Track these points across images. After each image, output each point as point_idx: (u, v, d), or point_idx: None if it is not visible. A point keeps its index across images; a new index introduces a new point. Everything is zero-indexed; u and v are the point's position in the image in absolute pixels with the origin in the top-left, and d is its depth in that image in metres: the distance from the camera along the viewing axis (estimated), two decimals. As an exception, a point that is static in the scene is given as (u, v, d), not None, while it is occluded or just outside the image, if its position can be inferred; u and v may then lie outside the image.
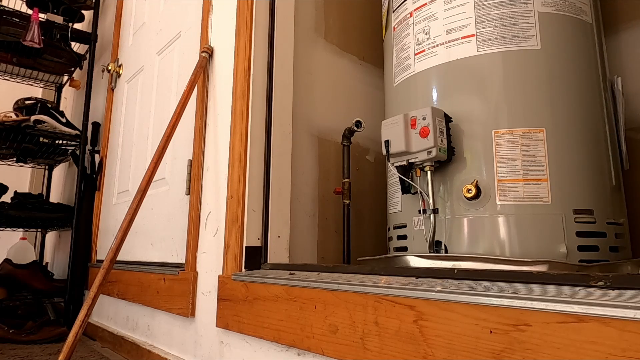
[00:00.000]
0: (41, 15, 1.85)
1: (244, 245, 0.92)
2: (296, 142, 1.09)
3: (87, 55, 1.94)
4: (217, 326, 0.93)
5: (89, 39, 1.93)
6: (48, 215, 1.84)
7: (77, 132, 1.84)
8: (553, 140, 0.75)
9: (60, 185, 2.46)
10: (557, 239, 0.72)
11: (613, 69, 1.04)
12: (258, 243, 0.95)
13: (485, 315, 0.48)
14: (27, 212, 1.80)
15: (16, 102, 1.82)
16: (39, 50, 1.90)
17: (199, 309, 1.02)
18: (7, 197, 1.89)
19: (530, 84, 0.78)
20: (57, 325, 1.57)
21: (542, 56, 0.78)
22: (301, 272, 0.79)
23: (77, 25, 2.10)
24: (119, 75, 1.85)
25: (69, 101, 2.60)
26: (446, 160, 0.80)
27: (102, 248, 1.71)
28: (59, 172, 2.50)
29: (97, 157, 1.90)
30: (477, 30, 0.81)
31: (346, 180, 1.09)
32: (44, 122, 1.74)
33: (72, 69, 2.12)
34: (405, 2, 0.94)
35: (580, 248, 0.73)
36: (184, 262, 1.12)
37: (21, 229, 2.21)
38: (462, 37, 0.82)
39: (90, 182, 1.83)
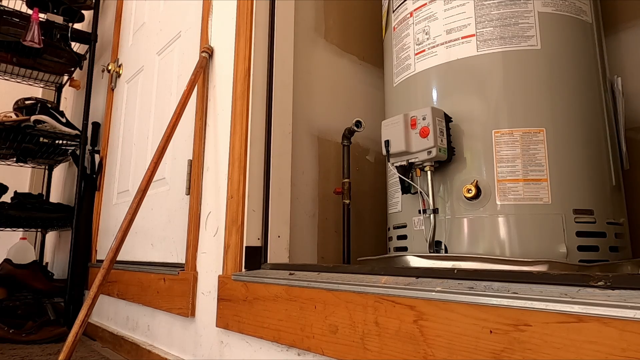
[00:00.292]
0: (41, 15, 1.85)
1: (244, 245, 0.92)
2: (296, 142, 1.09)
3: (87, 55, 1.94)
4: (217, 326, 0.93)
5: (89, 39, 1.93)
6: (48, 215, 1.84)
7: (77, 132, 1.84)
8: (553, 140, 0.75)
9: (60, 185, 2.46)
10: (557, 239, 0.72)
11: (613, 69, 1.04)
12: (258, 243, 0.95)
13: (485, 315, 0.48)
14: (27, 212, 1.80)
15: (16, 102, 1.82)
16: (39, 50, 1.90)
17: (199, 309, 1.02)
18: (7, 197, 1.89)
19: (530, 84, 0.78)
20: (57, 325, 1.57)
21: (542, 56, 0.78)
22: (301, 272, 0.79)
23: (77, 25, 2.10)
24: (119, 75, 1.85)
25: (69, 101, 2.60)
26: (446, 160, 0.80)
27: (102, 248, 1.71)
28: (59, 172, 2.50)
29: (97, 157, 1.90)
30: (477, 30, 0.81)
31: (346, 180, 1.09)
32: (44, 122, 1.74)
33: (72, 69, 2.12)
34: (405, 2, 0.94)
35: (580, 248, 0.73)
36: (184, 262, 1.12)
37: (21, 229, 2.21)
38: (462, 37, 0.82)
39: (90, 182, 1.83)
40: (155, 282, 1.20)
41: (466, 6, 0.83)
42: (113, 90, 1.87)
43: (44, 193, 2.33)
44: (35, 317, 1.69)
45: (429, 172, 0.80)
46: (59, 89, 2.44)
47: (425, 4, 0.89)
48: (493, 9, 0.81)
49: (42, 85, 2.39)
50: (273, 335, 0.76)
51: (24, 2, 1.90)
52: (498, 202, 0.75)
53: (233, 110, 1.02)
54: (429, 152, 0.77)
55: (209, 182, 1.07)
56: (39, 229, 2.32)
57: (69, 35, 1.94)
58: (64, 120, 1.83)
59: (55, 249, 2.38)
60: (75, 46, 2.07)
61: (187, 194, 1.17)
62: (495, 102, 0.78)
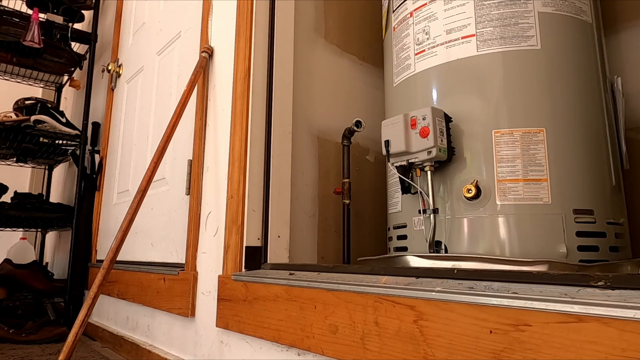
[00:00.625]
0: (41, 15, 1.85)
1: (244, 245, 0.92)
2: (296, 142, 1.09)
3: (87, 55, 1.94)
4: (217, 326, 0.93)
5: (89, 39, 1.93)
6: (48, 215, 1.84)
7: (77, 132, 1.84)
8: (553, 140, 0.75)
9: (60, 185, 2.46)
10: (557, 239, 0.72)
11: (613, 69, 1.04)
12: (258, 243, 0.95)
13: (485, 315, 0.48)
14: (27, 212, 1.80)
15: (16, 102, 1.82)
16: (39, 50, 1.90)
17: (199, 309, 1.02)
18: (7, 197, 1.89)
19: (530, 84, 0.78)
20: (57, 325, 1.57)
21: (542, 56, 0.78)
22: (301, 272, 0.79)
23: (77, 25, 2.10)
24: (119, 75, 1.85)
25: (69, 101, 2.60)
26: (446, 160, 0.80)
27: (102, 248, 1.71)
28: (59, 172, 2.50)
29: (97, 157, 1.90)
30: (477, 30, 0.81)
31: (346, 180, 1.09)
32: (44, 122, 1.74)
33: (72, 69, 2.12)
34: (405, 2, 0.94)
35: (580, 248, 0.73)
36: (184, 262, 1.12)
37: (21, 229, 2.21)
38: (462, 37, 0.82)
39: (90, 182, 1.83)
40: (155, 282, 1.20)
41: (466, 6, 0.83)
42: (113, 90, 1.87)
43: (44, 193, 2.33)
44: (35, 317, 1.69)
45: (429, 172, 0.80)
46: (59, 89, 2.44)
47: (425, 4, 0.89)
48: (493, 9, 0.81)
49: (42, 85, 2.39)
50: (273, 335, 0.76)
51: (24, 2, 1.90)
52: (498, 202, 0.75)
53: (233, 110, 1.02)
54: (429, 152, 0.77)
55: (209, 182, 1.07)
56: (39, 229, 2.32)
57: (69, 35, 1.94)
58: (64, 120, 1.83)
59: (55, 249, 2.38)
60: (75, 46, 2.07)
61: (187, 194, 1.17)
62: (495, 102, 0.78)
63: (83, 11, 2.04)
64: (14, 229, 1.97)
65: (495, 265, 0.68)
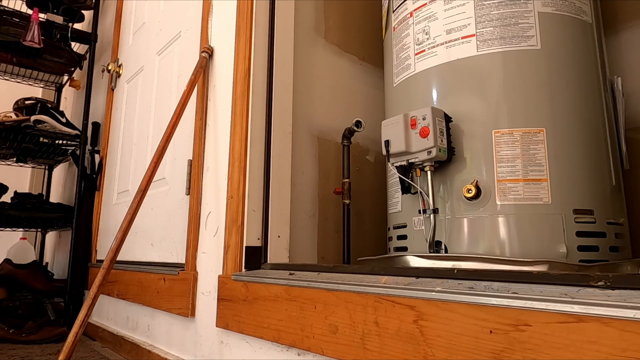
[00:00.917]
0: (41, 15, 1.85)
1: (244, 245, 0.92)
2: (296, 142, 1.09)
3: (87, 55, 1.94)
4: (217, 326, 0.93)
5: (89, 39, 1.93)
6: (48, 215, 1.84)
7: (77, 132, 1.84)
8: (553, 140, 0.75)
9: (60, 185, 2.46)
10: (557, 239, 0.72)
11: (613, 69, 1.04)
12: (258, 243, 0.95)
13: (485, 315, 0.48)
14: (27, 212, 1.80)
15: (16, 102, 1.82)
16: (39, 50, 1.90)
17: (199, 309, 1.02)
18: (7, 197, 1.89)
19: (530, 84, 0.78)
20: (57, 325, 1.57)
21: (542, 56, 0.78)
22: (301, 272, 0.79)
23: (77, 25, 2.10)
24: (119, 75, 1.85)
25: (69, 101, 2.60)
26: (446, 160, 0.80)
27: (102, 248, 1.71)
28: (59, 172, 2.50)
29: (97, 157, 1.90)
30: (477, 30, 0.81)
31: (346, 180, 1.09)
32: (44, 122, 1.74)
33: (72, 69, 2.12)
34: (405, 2, 0.94)
35: (580, 248, 0.73)
36: (184, 262, 1.12)
37: (21, 229, 2.21)
38: (462, 37, 0.82)
39: (90, 182, 1.83)
40: (155, 282, 1.20)
41: (466, 6, 0.83)
42: (113, 90, 1.87)
43: (44, 193, 2.33)
44: (35, 317, 1.69)
45: (429, 172, 0.80)
46: (59, 89, 2.44)
47: (425, 4, 0.89)
48: (493, 9, 0.81)
49: (42, 85, 2.39)
50: (273, 335, 0.76)
51: (24, 2, 1.90)
52: (498, 202, 0.75)
53: (233, 110, 1.02)
54: (429, 152, 0.77)
55: (209, 182, 1.07)
56: (39, 229, 2.32)
57: (69, 35, 1.94)
58: (64, 120, 1.83)
59: (55, 249, 2.38)
60: (75, 46, 2.07)
61: (187, 194, 1.17)
62: (495, 102, 0.78)
63: (83, 11, 2.04)
64: (14, 229, 1.97)
65: (495, 265, 0.68)
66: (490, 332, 0.47)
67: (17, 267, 1.72)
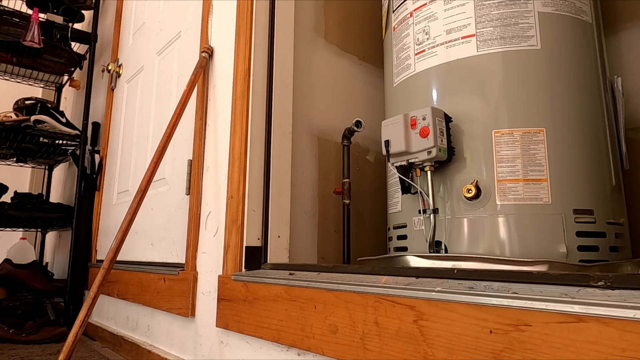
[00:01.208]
0: (41, 15, 1.85)
1: (244, 245, 0.92)
2: (296, 142, 1.09)
3: (87, 55, 1.94)
4: (217, 326, 0.93)
5: (89, 39, 1.93)
6: (48, 215, 1.84)
7: (77, 132, 1.84)
8: (553, 140, 0.75)
9: (60, 185, 2.46)
10: (557, 239, 0.72)
11: (613, 69, 1.04)
12: (258, 243, 0.95)
13: (485, 315, 0.48)
14: (27, 212, 1.80)
15: (16, 102, 1.82)
16: (39, 50, 1.90)
17: (199, 309, 1.02)
18: (7, 197, 1.89)
19: (530, 84, 0.78)
20: (57, 325, 1.57)
21: (542, 56, 0.78)
22: (301, 272, 0.79)
23: (77, 25, 2.10)
24: (119, 75, 1.85)
25: (69, 101, 2.60)
26: (446, 160, 0.80)
27: (102, 248, 1.71)
28: (59, 172, 2.50)
29: (97, 157, 1.90)
30: (477, 30, 0.81)
31: (346, 180, 1.09)
32: (44, 122, 1.74)
33: (72, 69, 2.12)
34: (405, 2, 0.94)
35: (580, 248, 0.73)
36: (184, 262, 1.12)
37: (21, 229, 2.21)
38: (462, 37, 0.82)
39: (90, 182, 1.83)
40: (155, 282, 1.20)
41: (466, 6, 0.83)
42: (113, 90, 1.87)
43: (44, 193, 2.33)
44: (35, 317, 1.69)
45: (429, 172, 0.80)
46: (59, 89, 2.44)
47: (425, 4, 0.89)
48: (493, 9, 0.81)
49: (42, 85, 2.39)
50: (273, 335, 0.76)
51: (24, 2, 1.90)
52: (498, 202, 0.75)
53: (233, 110, 1.02)
54: (429, 152, 0.77)
55: (209, 182, 1.07)
56: (39, 229, 2.32)
57: (69, 35, 1.94)
58: (64, 120, 1.83)
59: (55, 249, 2.38)
60: (75, 46, 2.07)
61: (187, 194, 1.17)
62: (495, 102, 0.78)
63: (83, 11, 2.04)
64: (14, 229, 1.97)
65: (495, 265, 0.68)
66: (490, 332, 0.47)
67: (17, 267, 1.72)
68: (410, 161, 0.81)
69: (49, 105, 1.82)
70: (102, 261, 1.41)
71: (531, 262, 0.67)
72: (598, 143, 0.79)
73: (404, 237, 0.88)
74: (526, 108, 0.77)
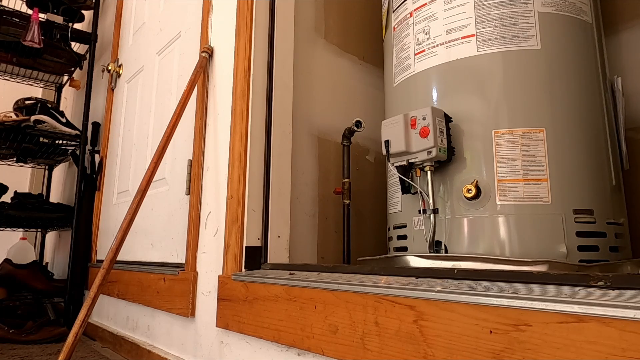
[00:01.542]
0: (41, 15, 1.85)
1: (244, 245, 0.92)
2: (296, 142, 1.09)
3: (87, 55, 1.94)
4: (217, 326, 0.93)
5: (89, 39, 1.93)
6: (48, 215, 1.84)
7: (77, 132, 1.84)
8: (553, 140, 0.75)
9: (60, 185, 2.46)
10: (557, 239, 0.72)
11: (613, 69, 1.04)
12: (258, 243, 0.95)
13: (485, 315, 0.48)
14: (27, 212, 1.80)
15: (16, 102, 1.82)
16: (39, 50, 1.90)
17: (199, 309, 1.02)
18: (7, 197, 1.89)
19: (530, 84, 0.78)
20: (57, 325, 1.57)
21: (542, 56, 0.78)
22: (301, 272, 0.79)
23: (77, 25, 2.10)
24: (119, 75, 1.85)
25: (69, 101, 2.60)
26: (446, 160, 0.80)
27: (102, 248, 1.71)
28: (59, 172, 2.50)
29: (97, 157, 1.90)
30: (477, 30, 0.81)
31: (346, 180, 1.09)
32: (44, 122, 1.74)
33: (72, 69, 2.12)
34: (405, 2, 0.94)
35: (580, 248, 0.73)
36: (184, 262, 1.12)
37: (21, 229, 2.21)
38: (462, 37, 0.82)
39: (90, 182, 1.83)
40: (155, 282, 1.20)
41: (466, 6, 0.83)
42: (113, 90, 1.87)
43: (44, 193, 2.33)
44: (35, 317, 1.69)
45: (429, 172, 0.80)
46: (59, 89, 2.44)
47: (425, 4, 0.89)
48: (493, 9, 0.81)
49: (42, 85, 2.39)
50: (273, 335, 0.76)
51: (24, 2, 1.90)
52: (498, 202, 0.75)
53: (233, 110, 1.02)
54: (429, 152, 0.77)
55: (209, 182, 1.07)
56: (39, 229, 2.32)
57: (69, 35, 1.94)
58: (64, 120, 1.83)
59: (55, 249, 2.38)
60: (75, 46, 2.07)
61: (187, 194, 1.17)
62: (495, 102, 0.78)
63: (83, 11, 2.04)
64: (14, 229, 1.97)
65: (495, 265, 0.68)
66: (490, 332, 0.47)
67: (17, 267, 1.72)
68: (410, 161, 0.81)
69: (49, 105, 1.82)
70: (102, 261, 1.41)
71: (531, 262, 0.67)
72: (598, 143, 0.79)
73: (404, 237, 0.88)
74: (526, 108, 0.77)
